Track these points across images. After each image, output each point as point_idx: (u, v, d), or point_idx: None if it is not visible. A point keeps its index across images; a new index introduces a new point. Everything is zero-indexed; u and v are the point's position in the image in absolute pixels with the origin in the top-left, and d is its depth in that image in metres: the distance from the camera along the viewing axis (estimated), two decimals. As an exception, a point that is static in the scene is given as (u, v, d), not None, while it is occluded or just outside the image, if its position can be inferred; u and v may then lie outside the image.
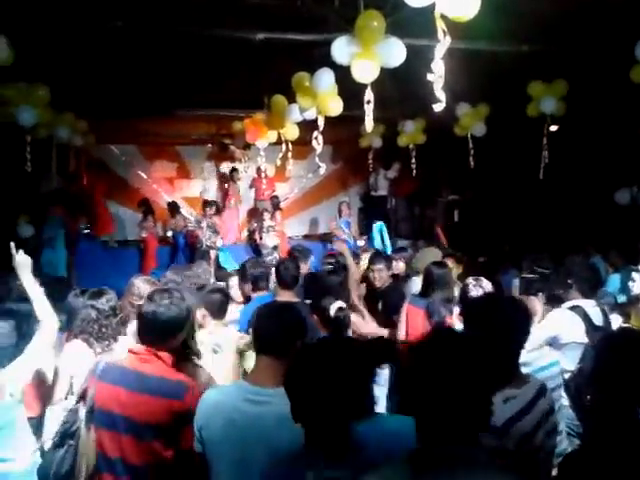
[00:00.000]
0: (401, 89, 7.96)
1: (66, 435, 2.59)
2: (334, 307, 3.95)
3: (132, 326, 3.43)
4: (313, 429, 1.99)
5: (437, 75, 3.43)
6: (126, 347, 2.72)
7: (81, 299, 3.45)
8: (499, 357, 2.27)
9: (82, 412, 2.55)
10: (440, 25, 3.31)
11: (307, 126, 6.90)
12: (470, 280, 3.99)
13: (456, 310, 4.00)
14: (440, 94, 3.59)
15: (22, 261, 3.06)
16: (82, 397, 2.61)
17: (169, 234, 10.62)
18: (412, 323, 4.38)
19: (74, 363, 3.18)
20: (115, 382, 2.53)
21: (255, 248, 10.68)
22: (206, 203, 10.64)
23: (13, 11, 5.54)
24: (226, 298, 4.02)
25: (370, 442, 2.02)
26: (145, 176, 11.59)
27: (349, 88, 5.49)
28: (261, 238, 10.39)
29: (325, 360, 2.03)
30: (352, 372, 2.06)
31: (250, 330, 3.19)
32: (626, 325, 4.09)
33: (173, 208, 10.91)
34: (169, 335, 2.59)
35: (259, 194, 11.54)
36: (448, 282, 4.48)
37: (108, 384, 2.53)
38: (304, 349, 2.21)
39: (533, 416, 2.28)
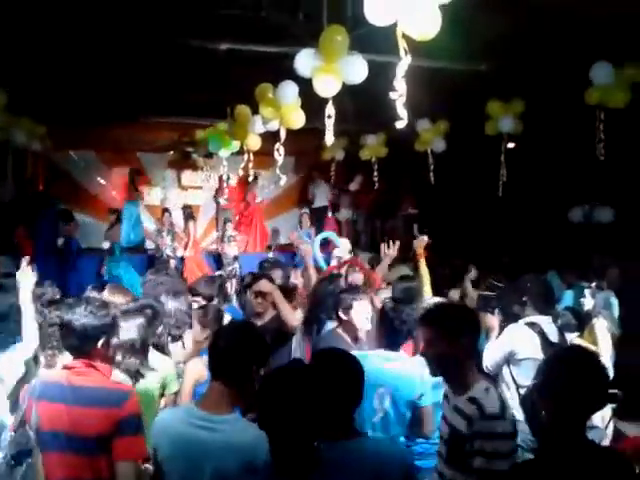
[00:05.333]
0: (363, 103, 8.04)
1: (21, 454, 2.55)
2: None
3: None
4: (279, 445, 2.00)
5: (399, 93, 3.48)
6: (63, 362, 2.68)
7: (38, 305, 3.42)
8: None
9: (31, 433, 2.50)
10: (401, 44, 3.35)
11: (270, 136, 6.91)
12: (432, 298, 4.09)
13: None
14: (402, 111, 3.64)
15: (25, 276, 3.09)
16: (25, 420, 2.55)
17: (60, 242, 9.23)
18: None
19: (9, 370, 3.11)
20: (54, 399, 2.47)
21: (217, 258, 10.62)
22: (165, 211, 10.54)
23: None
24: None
25: (352, 462, 2.04)
26: (104, 182, 11.39)
27: (313, 100, 5.52)
28: (222, 248, 10.34)
29: (301, 380, 2.06)
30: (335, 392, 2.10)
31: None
32: (577, 342, 4.18)
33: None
34: (89, 343, 2.54)
35: (221, 204, 11.48)
36: (415, 295, 4.52)
37: (47, 403, 2.48)
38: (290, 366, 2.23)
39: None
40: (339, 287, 4.88)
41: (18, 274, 3.12)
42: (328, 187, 11.76)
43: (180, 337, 3.98)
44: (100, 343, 2.56)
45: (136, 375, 3.15)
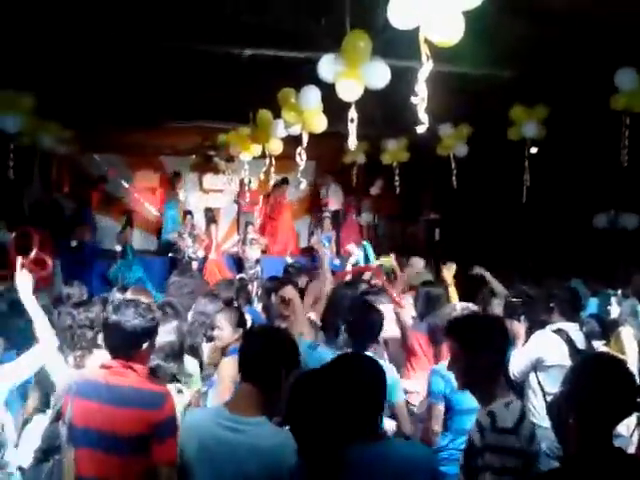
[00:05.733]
0: (385, 107, 8.04)
1: (50, 450, 2.57)
2: None
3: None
4: (307, 448, 2.01)
5: (420, 98, 3.47)
6: (100, 361, 2.69)
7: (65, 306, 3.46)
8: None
9: (63, 429, 2.53)
10: (424, 49, 3.34)
11: (292, 140, 6.93)
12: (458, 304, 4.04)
13: None
14: (423, 116, 3.63)
15: (23, 279, 3.10)
16: (60, 416, 2.58)
17: (73, 244, 9.31)
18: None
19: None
20: (90, 398, 2.49)
21: (238, 260, 10.68)
22: (187, 213, 10.65)
23: (-1, 18, 5.52)
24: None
25: (378, 465, 2.05)
26: (128, 186, 11.54)
27: (335, 104, 5.54)
28: (244, 251, 10.40)
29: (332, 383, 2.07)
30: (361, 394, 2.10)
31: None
32: (604, 349, 4.13)
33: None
34: (136, 344, 2.56)
35: (243, 207, 11.56)
36: (436, 303, 4.50)
37: (83, 400, 2.50)
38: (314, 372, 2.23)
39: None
40: (357, 291, 4.87)
41: (19, 276, 3.12)
42: (341, 191, 11.75)
43: (213, 338, 4.03)
44: (145, 345, 2.59)
45: (172, 380, 3.16)
